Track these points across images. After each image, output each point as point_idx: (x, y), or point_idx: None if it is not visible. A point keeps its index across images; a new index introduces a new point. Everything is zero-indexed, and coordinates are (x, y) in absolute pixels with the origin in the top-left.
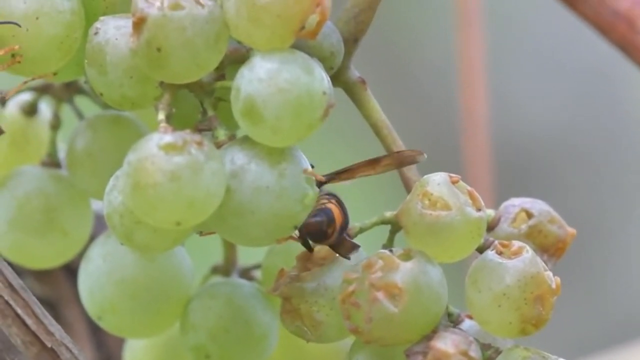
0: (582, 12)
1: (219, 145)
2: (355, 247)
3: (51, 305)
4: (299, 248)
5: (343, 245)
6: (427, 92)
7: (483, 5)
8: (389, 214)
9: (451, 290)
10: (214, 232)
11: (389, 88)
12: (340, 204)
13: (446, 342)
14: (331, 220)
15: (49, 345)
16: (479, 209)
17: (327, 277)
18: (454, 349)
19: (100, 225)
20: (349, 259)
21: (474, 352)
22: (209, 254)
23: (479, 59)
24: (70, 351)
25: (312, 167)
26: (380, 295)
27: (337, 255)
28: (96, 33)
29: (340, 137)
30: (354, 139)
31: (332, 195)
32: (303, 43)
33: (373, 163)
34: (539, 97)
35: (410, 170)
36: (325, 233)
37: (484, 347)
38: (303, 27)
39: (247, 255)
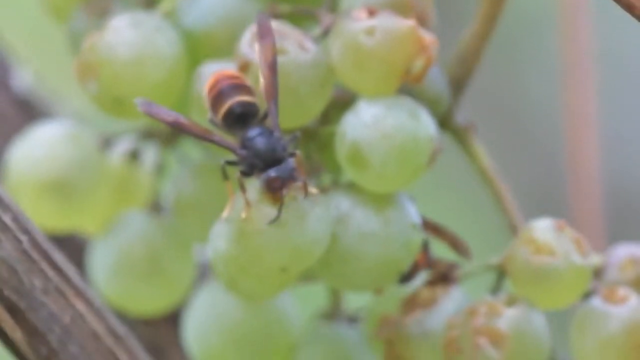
0: None
1: (324, 191)
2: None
3: (156, 352)
4: (404, 291)
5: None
6: (534, 136)
7: (592, 46)
8: (494, 260)
9: (557, 337)
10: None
11: (495, 134)
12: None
13: None
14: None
15: None
16: (585, 256)
17: (430, 322)
18: None
19: (204, 272)
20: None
21: None
22: (315, 298)
23: (588, 101)
24: None
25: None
26: (483, 341)
27: (441, 300)
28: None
29: (446, 181)
30: (460, 184)
31: None
32: (409, 88)
33: (438, 230)
34: None
35: (516, 217)
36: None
37: None
38: (408, 72)
39: (353, 298)
